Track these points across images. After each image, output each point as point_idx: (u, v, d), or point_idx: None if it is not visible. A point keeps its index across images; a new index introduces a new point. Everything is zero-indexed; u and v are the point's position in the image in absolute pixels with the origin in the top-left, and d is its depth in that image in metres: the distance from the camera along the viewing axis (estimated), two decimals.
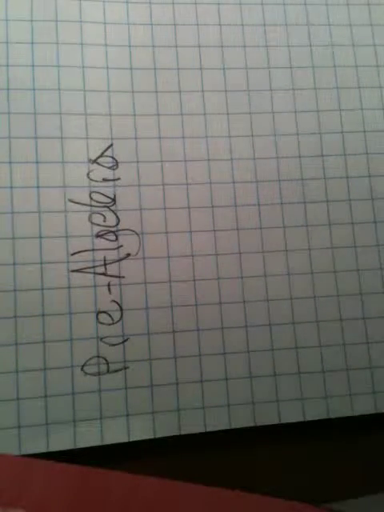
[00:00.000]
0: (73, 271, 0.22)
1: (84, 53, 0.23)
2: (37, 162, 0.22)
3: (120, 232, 0.23)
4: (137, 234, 0.23)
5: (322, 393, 0.22)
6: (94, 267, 0.22)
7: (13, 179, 0.22)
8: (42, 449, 0.20)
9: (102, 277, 0.22)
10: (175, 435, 0.21)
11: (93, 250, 0.22)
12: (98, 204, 0.23)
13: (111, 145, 0.23)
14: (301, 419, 0.22)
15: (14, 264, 0.22)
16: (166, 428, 0.21)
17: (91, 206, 0.23)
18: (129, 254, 0.22)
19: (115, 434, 0.21)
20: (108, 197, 0.23)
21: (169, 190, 0.23)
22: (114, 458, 0.21)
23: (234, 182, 0.24)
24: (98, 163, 0.23)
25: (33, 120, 0.23)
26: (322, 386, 0.22)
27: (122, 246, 0.23)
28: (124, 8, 0.24)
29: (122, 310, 0.22)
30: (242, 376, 0.22)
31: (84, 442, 0.21)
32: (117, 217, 0.23)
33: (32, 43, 0.23)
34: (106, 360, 0.22)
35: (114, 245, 0.22)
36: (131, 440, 0.21)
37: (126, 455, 0.21)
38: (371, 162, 0.24)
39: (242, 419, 0.22)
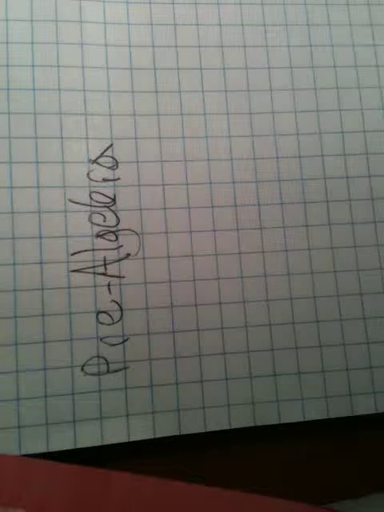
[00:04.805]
0: (73, 271, 0.22)
1: (84, 53, 0.23)
2: (37, 162, 0.22)
3: (120, 232, 0.23)
4: (137, 233, 0.23)
5: (322, 393, 0.22)
6: (94, 267, 0.22)
7: (13, 179, 0.22)
8: (42, 449, 0.20)
9: (102, 277, 0.22)
10: (175, 435, 0.21)
11: (93, 249, 0.22)
12: (98, 204, 0.23)
13: (111, 145, 0.23)
14: (301, 419, 0.22)
15: (14, 264, 0.22)
16: (166, 428, 0.21)
17: (91, 205, 0.23)
18: (129, 254, 0.22)
19: (115, 434, 0.21)
20: (108, 197, 0.23)
21: (169, 190, 0.23)
22: (114, 458, 0.21)
23: (233, 182, 0.24)
24: (98, 163, 0.23)
25: (33, 120, 0.23)
26: (322, 386, 0.22)
27: (121, 246, 0.23)
28: (124, 8, 0.24)
29: (122, 310, 0.22)
30: (241, 376, 0.22)
31: (84, 442, 0.21)
32: (117, 217, 0.23)
33: (32, 43, 0.23)
34: (106, 360, 0.22)
35: (113, 245, 0.22)
36: (131, 440, 0.21)
37: (125, 455, 0.21)
38: (371, 162, 0.24)
39: (242, 419, 0.22)
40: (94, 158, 0.23)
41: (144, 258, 0.22)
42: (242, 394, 0.22)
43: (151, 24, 0.24)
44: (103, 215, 0.23)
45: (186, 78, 0.24)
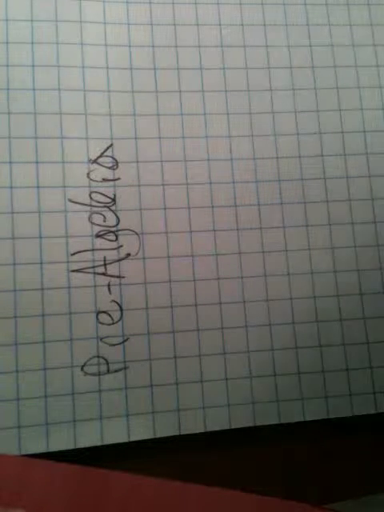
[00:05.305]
0: (73, 271, 0.22)
1: (84, 53, 0.23)
2: (37, 162, 0.22)
3: (120, 232, 0.23)
4: (137, 233, 0.23)
5: (322, 393, 0.22)
6: (93, 267, 0.22)
7: (13, 179, 0.22)
8: (42, 449, 0.21)
9: (102, 277, 0.22)
10: (175, 435, 0.21)
11: (93, 249, 0.22)
12: (98, 204, 0.23)
13: (111, 145, 0.23)
14: (301, 419, 0.22)
15: (14, 264, 0.22)
16: (166, 428, 0.21)
17: (91, 205, 0.23)
18: (129, 254, 0.22)
19: (115, 434, 0.21)
20: (108, 197, 0.23)
21: (169, 190, 0.23)
22: (114, 458, 0.21)
23: (233, 182, 0.24)
24: (98, 163, 0.23)
25: (33, 120, 0.23)
26: (322, 386, 0.22)
27: (121, 246, 0.23)
28: (124, 8, 0.24)
29: (121, 310, 0.22)
30: (241, 376, 0.22)
31: (84, 442, 0.21)
32: (117, 217, 0.23)
33: (32, 43, 0.23)
34: (105, 360, 0.22)
35: (114, 245, 0.22)
36: (131, 440, 0.21)
37: (126, 455, 0.21)
38: (371, 162, 0.24)
39: (242, 419, 0.22)
40: (94, 157, 0.23)
41: (144, 258, 0.22)
42: (242, 394, 0.22)
43: (151, 24, 0.24)
44: (103, 215, 0.23)
45: (186, 78, 0.24)
